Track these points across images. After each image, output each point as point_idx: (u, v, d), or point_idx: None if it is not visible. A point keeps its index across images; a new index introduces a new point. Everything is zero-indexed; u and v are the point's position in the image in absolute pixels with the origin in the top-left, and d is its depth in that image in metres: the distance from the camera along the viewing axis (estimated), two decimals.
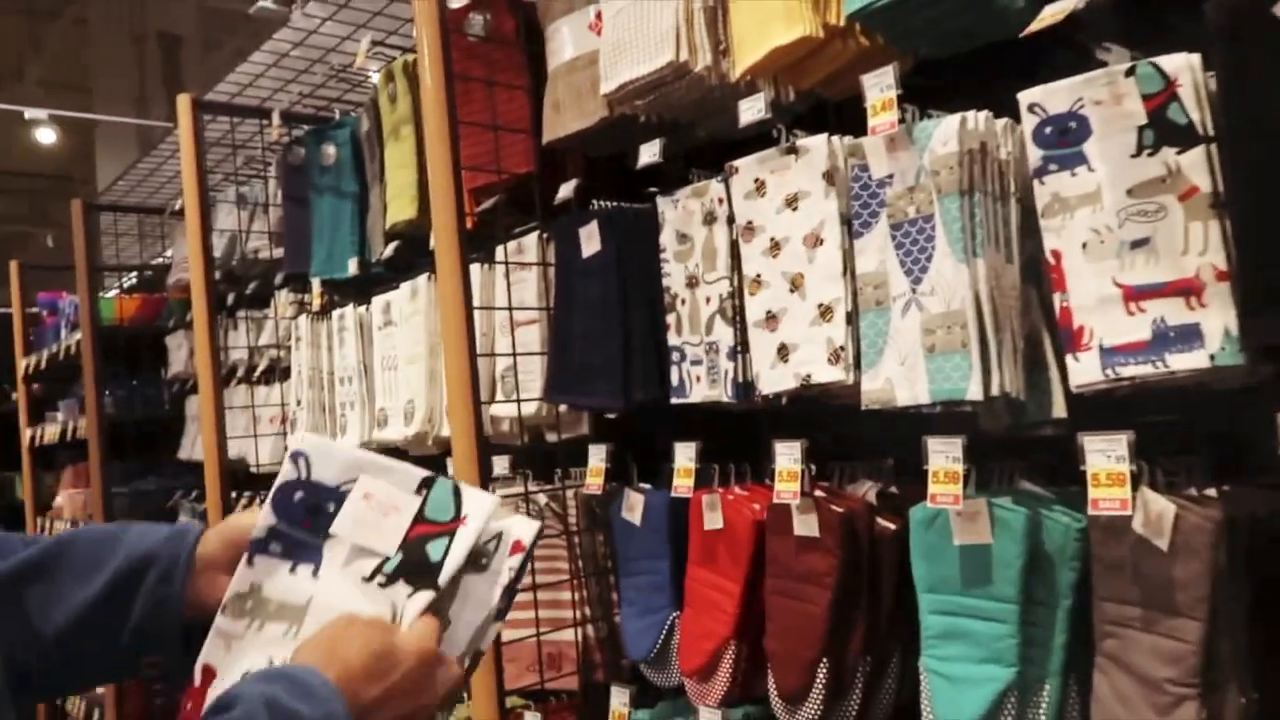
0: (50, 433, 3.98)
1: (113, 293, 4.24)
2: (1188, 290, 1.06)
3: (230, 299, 3.07)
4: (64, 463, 4.19)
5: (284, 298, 2.74)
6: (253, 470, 2.95)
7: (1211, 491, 1.12)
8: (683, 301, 1.61)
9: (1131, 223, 1.10)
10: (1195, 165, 1.06)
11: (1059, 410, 1.22)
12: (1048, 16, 1.09)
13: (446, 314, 1.71)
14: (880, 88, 1.26)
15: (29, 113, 6.48)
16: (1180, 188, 1.07)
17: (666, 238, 1.63)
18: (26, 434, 4.28)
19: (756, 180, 1.46)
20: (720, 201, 1.54)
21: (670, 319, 1.63)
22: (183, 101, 2.58)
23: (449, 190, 1.68)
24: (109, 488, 3.46)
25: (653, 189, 1.73)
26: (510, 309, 1.87)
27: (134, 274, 4.38)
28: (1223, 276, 1.04)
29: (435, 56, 1.65)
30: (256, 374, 2.97)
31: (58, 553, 0.82)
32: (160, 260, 4.18)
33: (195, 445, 3.40)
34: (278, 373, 2.90)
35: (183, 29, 8.60)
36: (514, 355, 1.83)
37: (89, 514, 3.79)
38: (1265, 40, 0.99)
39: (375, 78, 2.35)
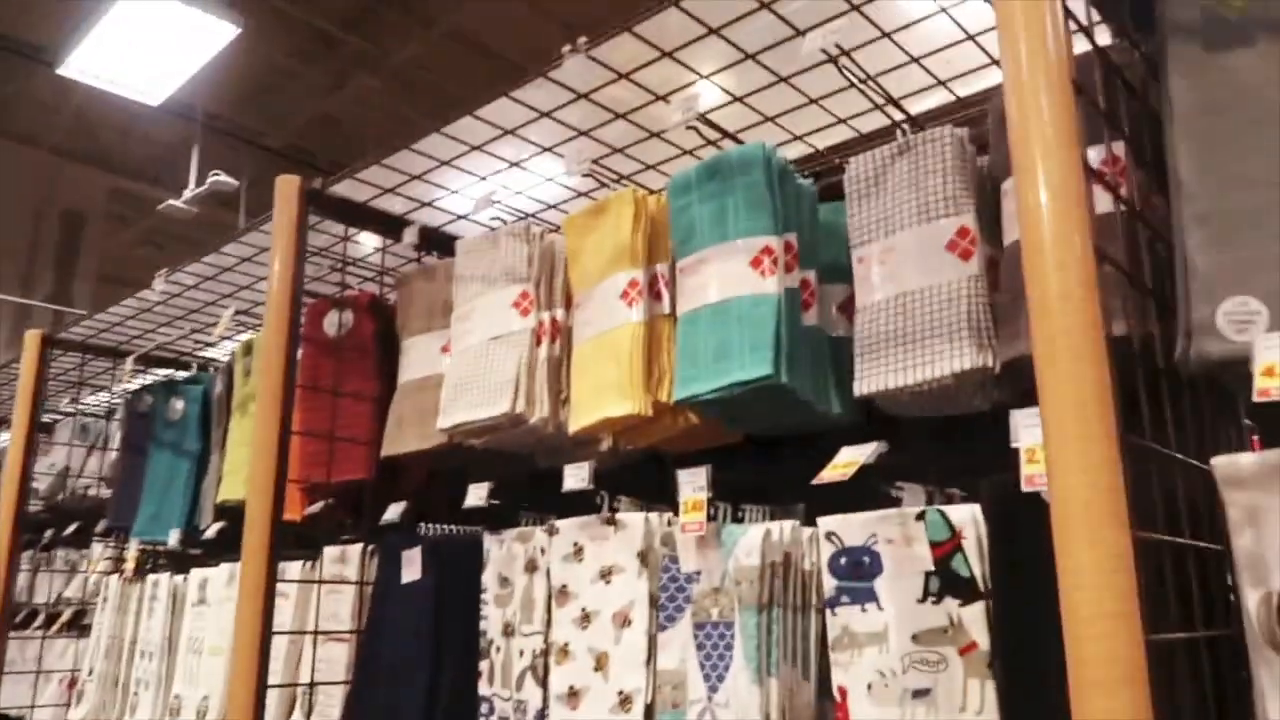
0: None
1: None
2: None
3: (49, 535, 2.85)
4: None
5: (98, 550, 2.56)
6: None
7: None
8: (497, 649, 1.54)
9: (915, 670, 1.10)
10: (975, 620, 1.08)
11: None
12: (840, 465, 1.14)
13: (241, 628, 1.59)
14: (693, 487, 1.28)
15: None
16: (961, 641, 1.09)
17: (489, 578, 1.59)
18: None
19: (576, 544, 1.44)
20: (543, 552, 1.51)
21: (484, 665, 1.55)
22: (31, 338, 2.50)
23: (266, 500, 1.62)
24: None
25: (494, 503, 1.70)
26: (315, 633, 1.78)
27: None
28: None
29: (276, 370, 1.63)
30: (55, 626, 2.71)
31: None
32: None
33: None
34: (78, 629, 2.66)
35: (90, 206, 8.57)
36: (310, 686, 1.71)
37: None
38: (1024, 516, 1.04)
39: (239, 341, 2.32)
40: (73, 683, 2.53)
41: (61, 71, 4.99)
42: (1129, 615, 0.75)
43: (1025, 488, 0.98)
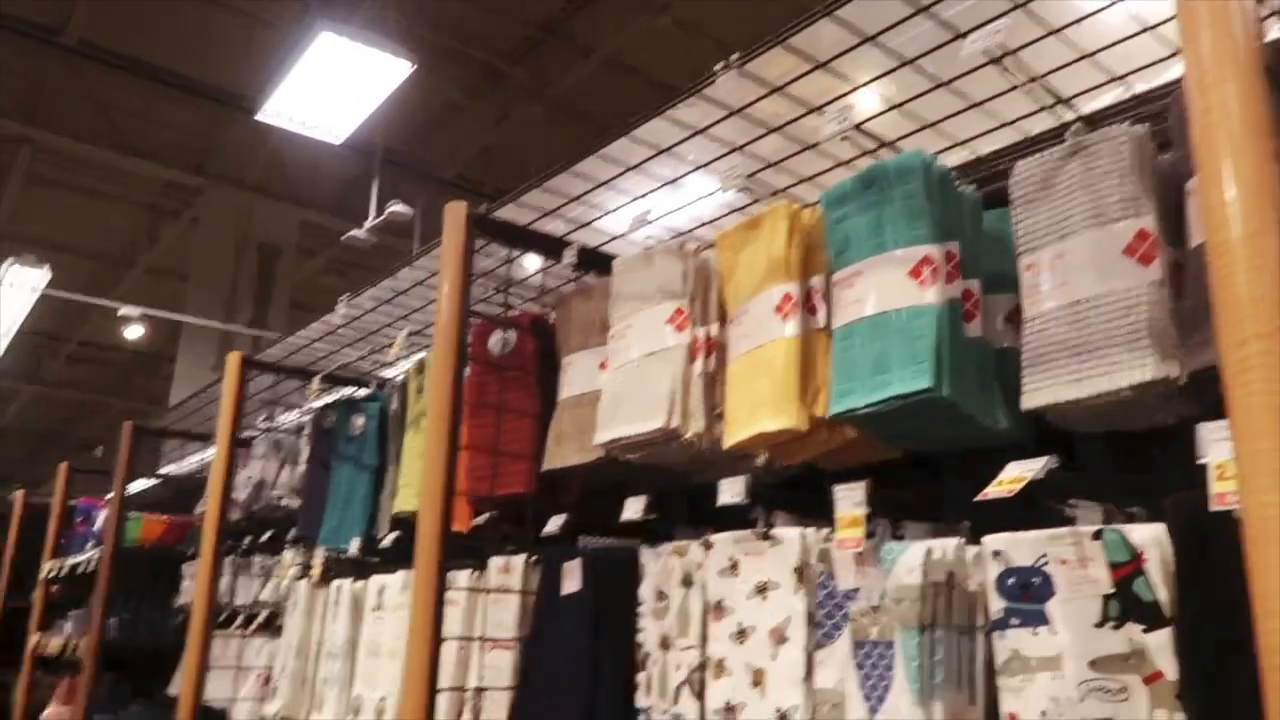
0: (54, 645, 3.95)
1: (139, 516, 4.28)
2: None
3: (246, 541, 3.09)
4: (65, 673, 4.13)
5: (288, 557, 2.75)
6: None
7: None
8: (654, 662, 1.56)
9: (1093, 698, 1.03)
10: (1161, 648, 1.01)
11: None
12: (1006, 480, 1.09)
13: (414, 632, 1.68)
14: (850, 503, 1.26)
15: (122, 310, 6.94)
16: (1145, 670, 1.01)
17: (646, 591, 1.60)
18: (33, 639, 4.26)
19: (731, 559, 1.44)
20: (699, 567, 1.52)
21: (641, 678, 1.57)
22: (231, 360, 2.73)
23: (436, 514, 1.70)
24: (92, 714, 3.38)
25: (651, 516, 1.71)
26: (483, 638, 1.84)
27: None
28: None
29: (444, 388, 1.71)
30: (253, 626, 2.93)
31: None
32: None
33: None
34: (273, 629, 2.86)
35: (283, 238, 9.30)
36: (478, 690, 1.77)
37: None
38: (1214, 536, 0.96)
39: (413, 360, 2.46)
40: (267, 679, 2.73)
41: (259, 117, 5.45)
42: None
43: (1214, 506, 0.91)
